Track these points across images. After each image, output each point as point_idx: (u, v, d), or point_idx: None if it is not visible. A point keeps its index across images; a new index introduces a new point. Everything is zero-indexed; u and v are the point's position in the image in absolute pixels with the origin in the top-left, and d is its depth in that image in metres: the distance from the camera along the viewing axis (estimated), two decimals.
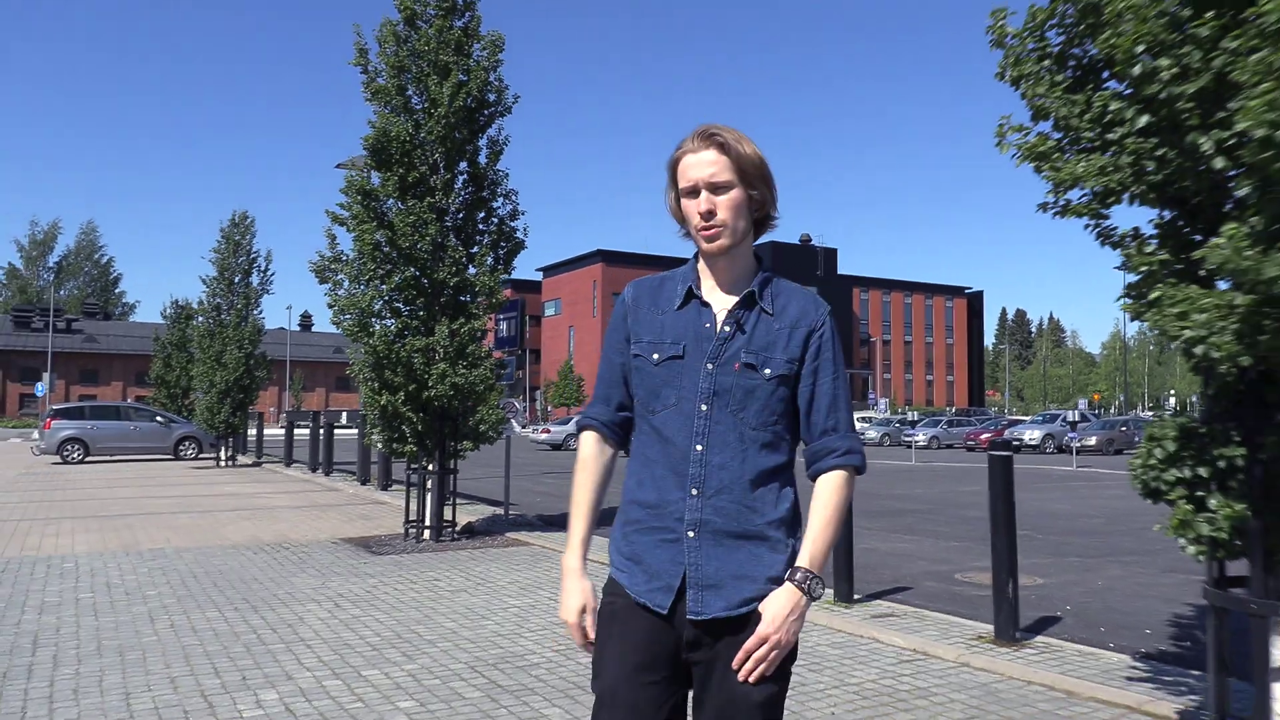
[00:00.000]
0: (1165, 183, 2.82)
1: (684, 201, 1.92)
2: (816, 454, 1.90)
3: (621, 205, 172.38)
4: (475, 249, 10.22)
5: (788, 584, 1.81)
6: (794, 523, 1.89)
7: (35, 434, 31.71)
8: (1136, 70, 2.65)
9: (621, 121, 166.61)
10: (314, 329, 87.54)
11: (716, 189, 1.87)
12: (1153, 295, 2.79)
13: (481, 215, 10.35)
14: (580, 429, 2.03)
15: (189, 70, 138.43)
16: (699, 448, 1.84)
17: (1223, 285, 2.79)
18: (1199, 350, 2.65)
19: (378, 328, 9.63)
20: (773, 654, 1.77)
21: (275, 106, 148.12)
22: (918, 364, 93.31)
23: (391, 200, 9.73)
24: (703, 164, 1.88)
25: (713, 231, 1.87)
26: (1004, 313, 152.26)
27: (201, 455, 26.32)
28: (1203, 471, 2.94)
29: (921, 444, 40.05)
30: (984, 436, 37.31)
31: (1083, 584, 7.78)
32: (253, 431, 26.56)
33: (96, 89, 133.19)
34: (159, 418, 27.18)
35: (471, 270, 10.08)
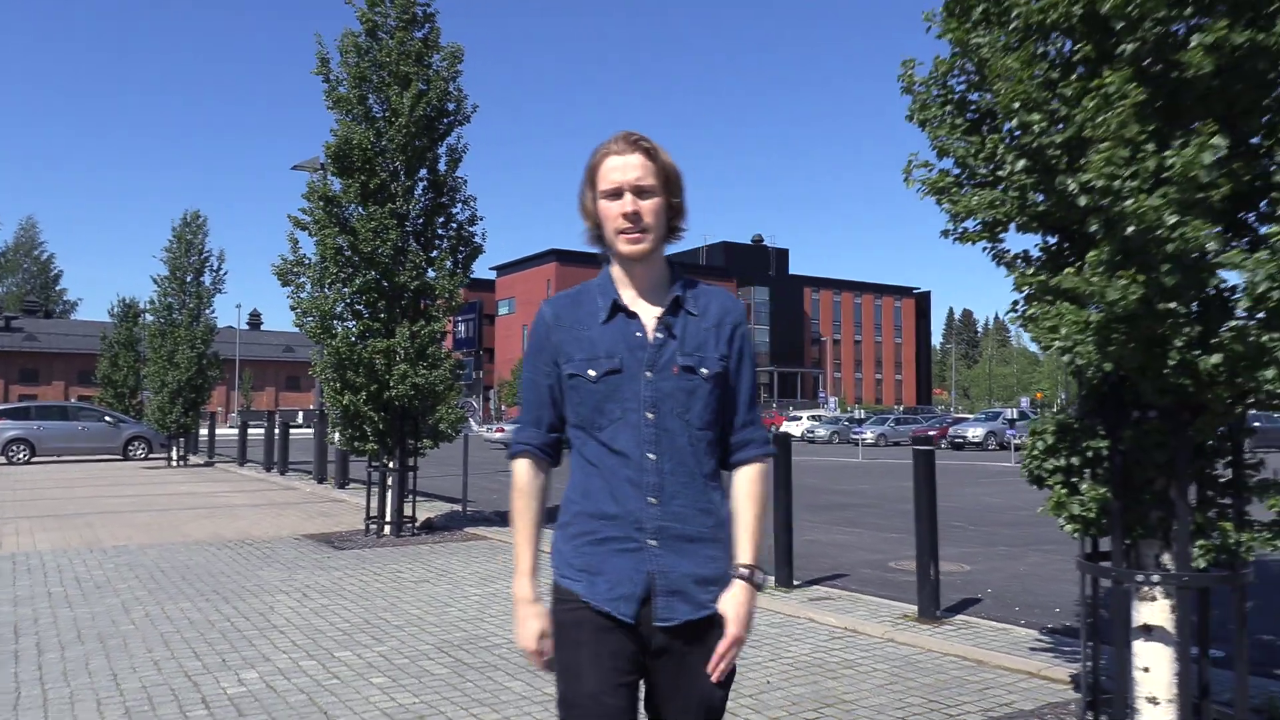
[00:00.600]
0: (1045, 214, 3.31)
1: (603, 203, 1.92)
2: (739, 445, 1.97)
3: (575, 204, 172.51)
4: (435, 253, 10.56)
5: (738, 582, 1.89)
6: (729, 519, 1.94)
7: None
8: (1014, 122, 3.14)
9: (576, 120, 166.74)
10: (263, 327, 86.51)
11: (641, 193, 1.89)
12: (1030, 311, 3.29)
13: (441, 220, 10.68)
14: (513, 456, 2.01)
15: (133, 62, 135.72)
16: (651, 456, 1.86)
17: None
18: (1067, 358, 3.15)
19: (340, 330, 9.93)
20: (736, 650, 1.88)
21: (224, 102, 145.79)
22: (867, 363, 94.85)
23: (353, 206, 10.03)
24: (629, 167, 1.89)
25: (636, 235, 1.89)
26: (951, 313, 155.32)
27: (151, 455, 26.14)
28: (1075, 460, 3.45)
29: (869, 441, 40.97)
30: (932, 434, 38.33)
31: (1005, 570, 8.37)
32: (204, 431, 26.48)
33: (34, 81, 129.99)
34: (107, 417, 26.93)
35: (431, 274, 10.42)
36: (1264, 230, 2.91)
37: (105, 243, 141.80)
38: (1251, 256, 2.66)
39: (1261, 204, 2.97)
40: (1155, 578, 3.29)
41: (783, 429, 49.08)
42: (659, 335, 1.91)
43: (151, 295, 23.80)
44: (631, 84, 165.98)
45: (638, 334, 1.91)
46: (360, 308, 10.15)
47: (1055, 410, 3.74)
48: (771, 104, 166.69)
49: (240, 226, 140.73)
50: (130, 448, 26.19)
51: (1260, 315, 2.78)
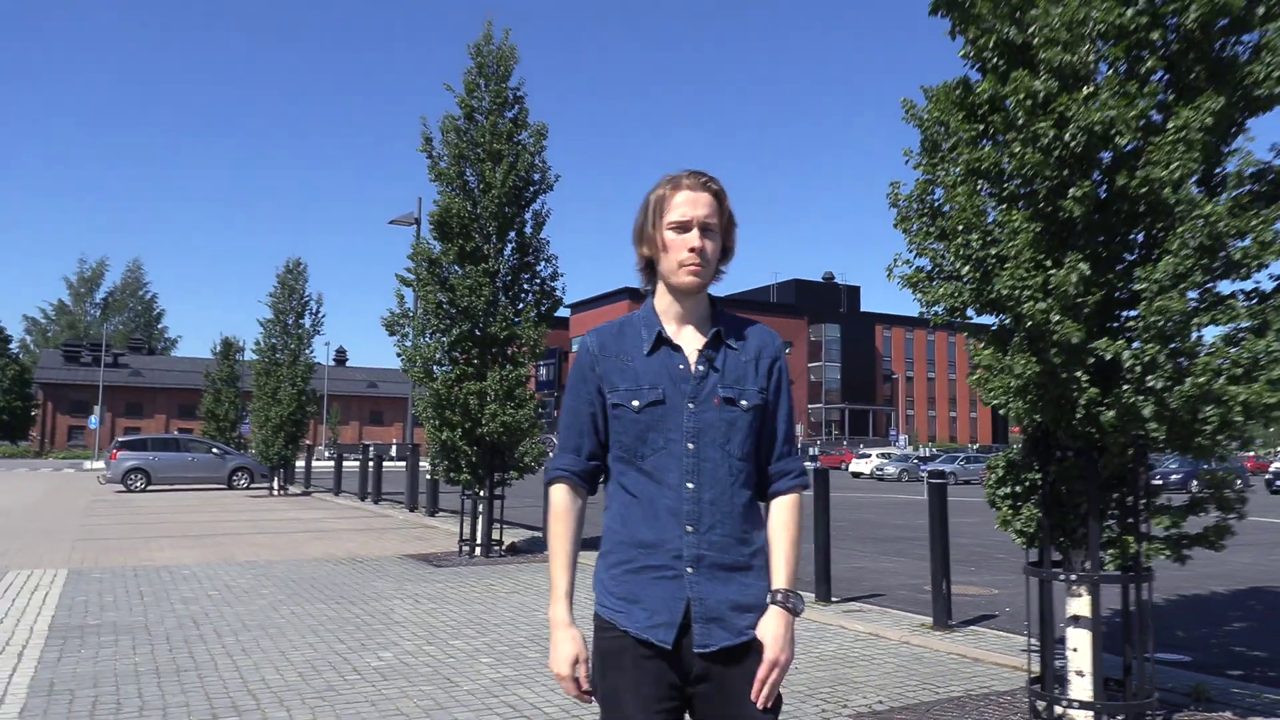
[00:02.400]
0: (989, 303, 4.44)
1: (668, 234, 1.97)
2: (776, 475, 2.02)
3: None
4: (521, 305, 11.97)
5: (775, 607, 1.92)
6: (765, 547, 1.99)
7: (101, 464, 33.74)
8: (958, 243, 4.29)
9: (647, 155, 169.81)
10: (348, 364, 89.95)
11: (707, 231, 1.96)
12: (977, 377, 4.42)
13: (526, 277, 12.10)
14: (551, 481, 2.05)
15: (232, 111, 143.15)
16: (690, 485, 1.91)
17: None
18: (1005, 413, 4.27)
19: (439, 374, 11.38)
20: (779, 675, 1.89)
21: (316, 153, 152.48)
22: (941, 401, 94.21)
23: (452, 266, 11.51)
24: (700, 203, 1.96)
25: (697, 268, 1.95)
26: None
27: (253, 485, 28.14)
28: (1018, 489, 4.54)
29: (939, 480, 41.23)
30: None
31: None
32: (301, 463, 28.41)
33: (139, 124, 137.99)
34: (214, 449, 29.05)
35: (518, 324, 11.82)
36: (1128, 324, 4.01)
37: (203, 281, 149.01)
38: (1114, 343, 3.78)
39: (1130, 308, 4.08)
40: (1074, 577, 4.36)
41: (852, 466, 49.77)
42: (701, 368, 1.96)
43: (257, 337, 25.93)
44: (700, 120, 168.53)
45: (680, 366, 1.97)
46: (457, 354, 11.59)
47: (1006, 450, 4.83)
48: (844, 140, 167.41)
49: (329, 267, 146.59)
50: (234, 477, 28.23)
51: (1129, 384, 3.88)
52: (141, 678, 5.53)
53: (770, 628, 1.90)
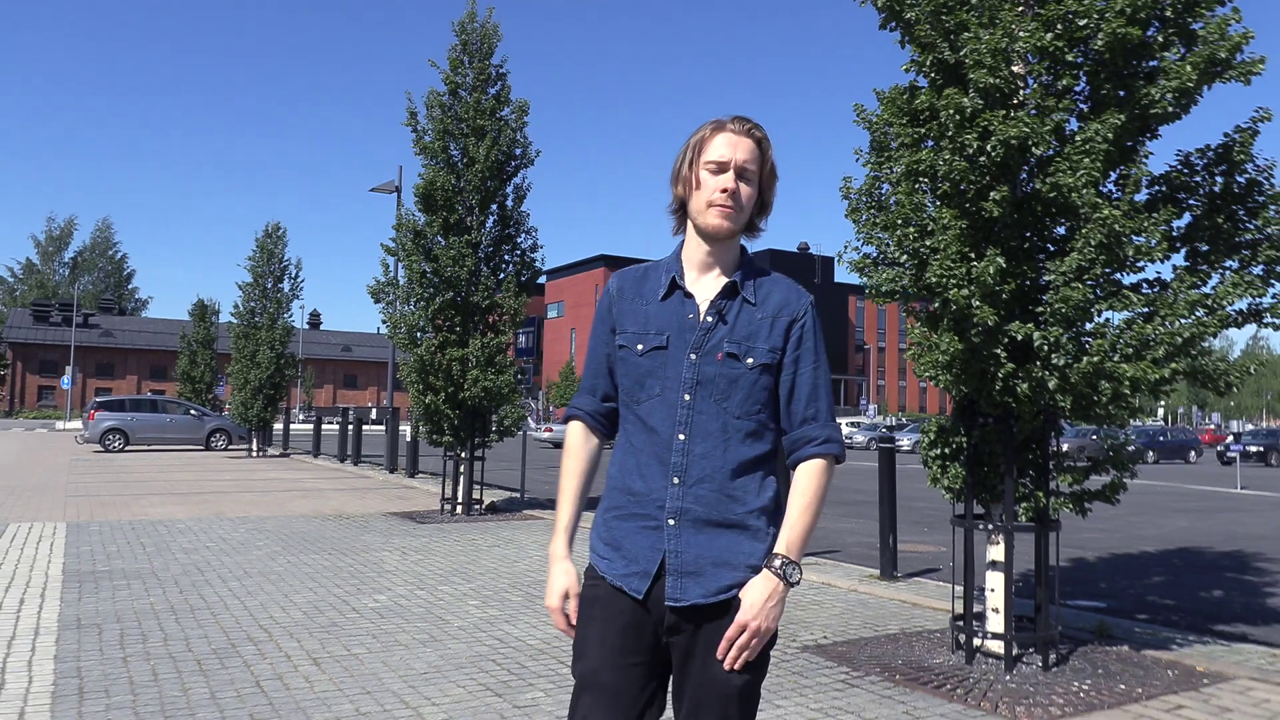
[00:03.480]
0: (924, 288, 5.05)
1: (703, 173, 1.93)
2: (796, 442, 1.94)
3: (624, 209, 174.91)
4: (502, 276, 12.48)
5: (765, 571, 1.85)
6: (776, 511, 1.92)
7: (75, 424, 33.92)
8: (898, 234, 4.88)
9: (624, 124, 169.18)
10: (323, 327, 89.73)
11: (744, 175, 1.92)
12: (911, 353, 5.04)
13: (507, 248, 12.60)
14: (567, 419, 2.08)
15: (199, 66, 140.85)
16: (681, 437, 1.88)
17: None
18: (935, 384, 4.90)
19: (423, 340, 11.89)
20: (754, 641, 1.82)
21: (291, 110, 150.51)
22: (911, 371, 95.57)
23: (436, 237, 11.98)
24: (741, 147, 1.92)
25: (727, 210, 1.91)
26: None
27: (231, 446, 28.55)
28: (946, 450, 5.18)
29: (905, 448, 42.31)
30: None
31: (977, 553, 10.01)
32: (279, 425, 28.82)
33: (109, 85, 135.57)
34: (192, 411, 29.39)
35: (499, 294, 12.34)
36: (1037, 310, 4.63)
37: (174, 242, 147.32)
38: (1025, 326, 4.40)
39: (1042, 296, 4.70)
40: (991, 527, 5.02)
41: None
42: (709, 319, 1.92)
43: (235, 300, 26.18)
44: (676, 88, 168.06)
45: (690, 315, 1.94)
46: (440, 322, 12.10)
47: (938, 417, 5.47)
48: (815, 110, 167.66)
49: (303, 230, 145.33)
50: (212, 439, 28.60)
51: (1039, 361, 4.51)
52: (159, 615, 6.09)
53: (752, 591, 1.84)
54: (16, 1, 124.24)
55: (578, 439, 2.07)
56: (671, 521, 1.88)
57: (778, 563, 1.86)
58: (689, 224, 2.01)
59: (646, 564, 1.89)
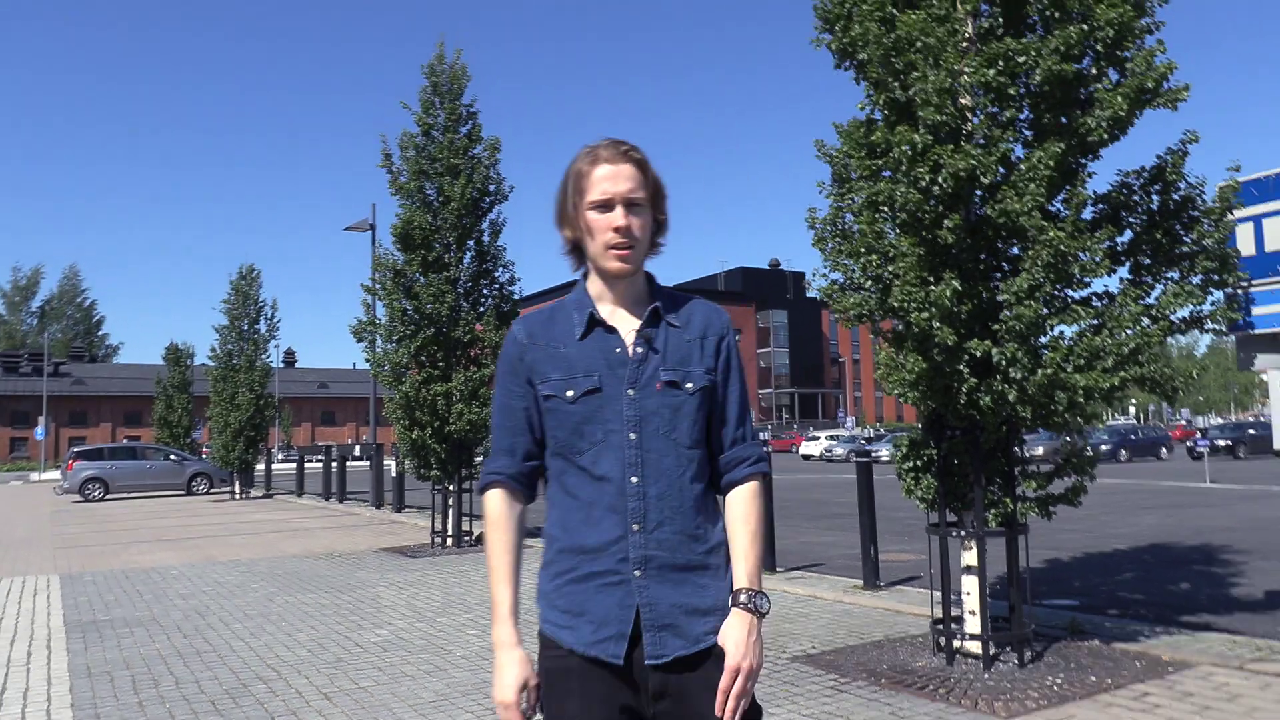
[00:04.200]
0: (888, 311, 5.36)
1: (591, 214, 1.82)
2: (730, 464, 1.87)
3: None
4: (482, 309, 12.73)
5: (736, 609, 1.76)
6: (725, 543, 1.84)
7: (51, 475, 33.67)
8: (862, 261, 5.20)
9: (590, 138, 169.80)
10: (298, 365, 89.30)
11: (632, 206, 1.81)
12: (880, 372, 5.34)
13: (485, 283, 12.85)
14: (484, 488, 1.90)
15: (170, 109, 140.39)
16: (634, 479, 1.77)
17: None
18: (903, 400, 5.20)
19: (407, 377, 12.10)
20: (749, 684, 1.73)
21: (260, 148, 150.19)
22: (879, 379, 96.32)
23: (416, 275, 12.22)
24: (621, 177, 1.80)
25: (627, 251, 1.81)
26: None
27: (213, 490, 28.44)
28: (919, 462, 5.48)
29: (885, 459, 42.75)
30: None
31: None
32: (260, 466, 28.76)
33: (70, 121, 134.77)
34: (172, 456, 29.25)
35: (480, 327, 12.57)
36: (994, 327, 4.95)
37: (142, 286, 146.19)
38: (983, 343, 4.71)
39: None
40: (963, 533, 5.31)
41: (802, 449, 51.17)
42: (639, 350, 1.82)
43: (212, 343, 26.23)
44: (646, 104, 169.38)
45: (617, 350, 1.83)
46: (423, 358, 12.31)
47: (909, 432, 5.77)
48: (788, 128, 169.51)
49: (273, 269, 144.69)
50: (194, 483, 28.48)
51: (998, 375, 4.82)
52: (167, 660, 6.25)
53: (732, 632, 1.74)
54: None
55: (501, 508, 1.88)
56: (638, 573, 1.75)
57: (744, 597, 1.77)
58: (589, 262, 1.90)
59: (620, 624, 1.75)
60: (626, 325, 1.86)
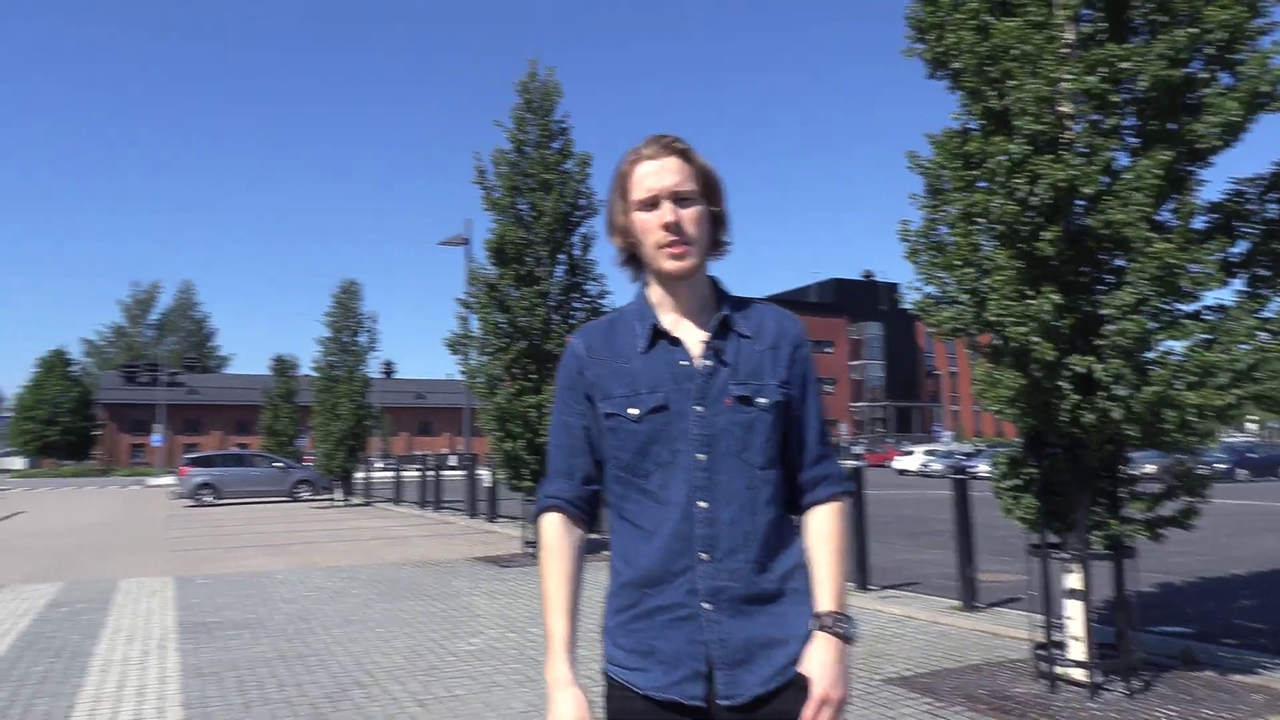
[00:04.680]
0: (985, 325, 5.21)
1: (638, 215, 1.71)
2: (811, 483, 1.75)
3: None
4: (573, 322, 12.87)
5: (821, 635, 1.65)
6: (804, 565, 1.72)
7: (166, 480, 35.33)
8: (957, 274, 5.07)
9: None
10: (396, 376, 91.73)
11: (681, 200, 1.69)
12: (977, 388, 5.20)
13: (576, 296, 13.00)
14: (541, 510, 1.81)
15: (277, 128, 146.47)
16: (703, 504, 1.65)
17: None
18: (1000, 417, 5.05)
19: (500, 389, 12.31)
20: (836, 715, 1.62)
21: (359, 165, 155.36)
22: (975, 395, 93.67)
23: (509, 289, 12.44)
24: (665, 171, 1.69)
25: (681, 249, 1.68)
26: None
27: (316, 497, 29.42)
28: (1018, 481, 5.31)
29: (984, 475, 41.53)
30: None
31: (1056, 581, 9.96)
32: (360, 474, 29.63)
33: (184, 145, 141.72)
34: (277, 463, 30.40)
35: (571, 340, 12.70)
36: (1097, 343, 4.76)
37: (250, 299, 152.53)
38: (1085, 358, 4.55)
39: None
40: (1066, 556, 5.12)
41: (897, 464, 50.08)
42: (707, 362, 1.69)
43: (315, 354, 27.17)
44: (736, 112, 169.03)
45: (683, 362, 1.70)
46: (515, 371, 12.51)
47: (1009, 449, 5.59)
48: (880, 136, 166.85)
49: (373, 282, 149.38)
50: (297, 490, 29.52)
51: (1102, 392, 4.64)
52: (271, 663, 6.47)
53: (817, 659, 1.63)
54: (101, 68, 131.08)
55: (558, 534, 1.78)
56: (708, 605, 1.63)
57: (829, 621, 1.66)
58: (646, 269, 1.79)
59: (694, 663, 1.63)
60: (692, 336, 1.73)
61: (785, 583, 1.68)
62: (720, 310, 1.76)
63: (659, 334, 1.74)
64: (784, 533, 1.72)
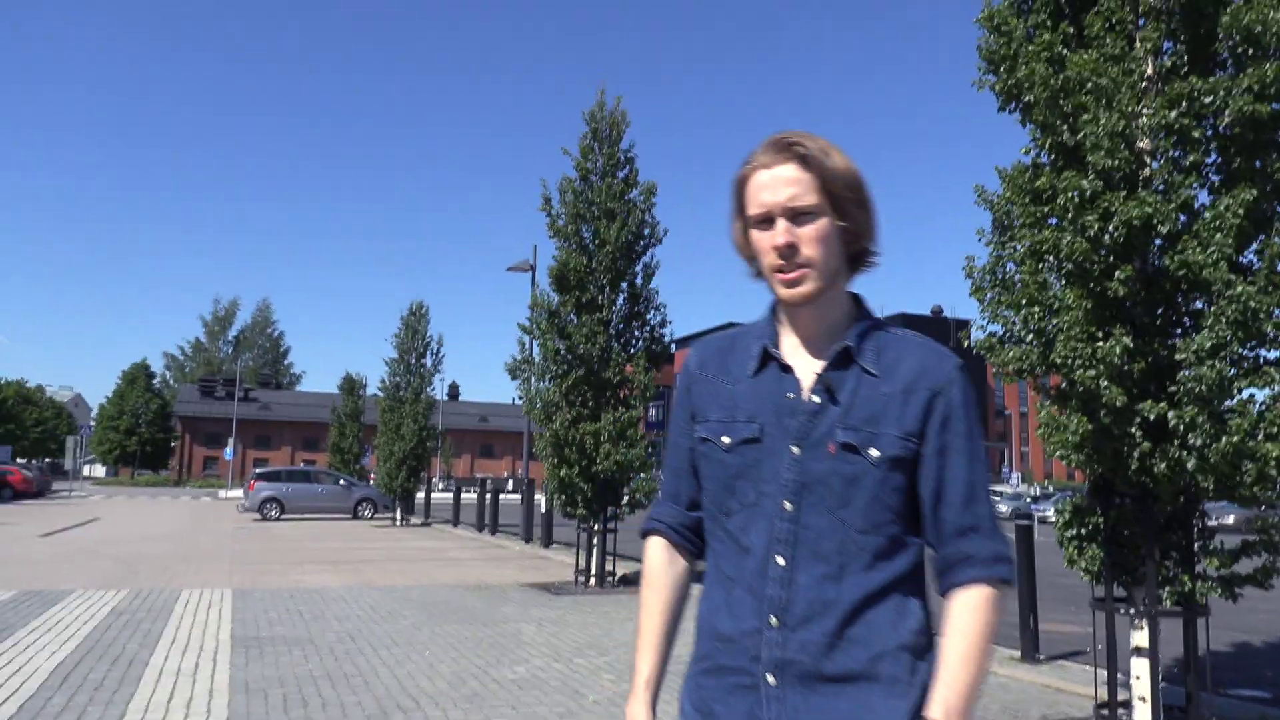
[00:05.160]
0: (1051, 366, 5.02)
1: (754, 233, 1.50)
2: (950, 562, 1.46)
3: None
4: (633, 350, 12.85)
5: None
6: (921, 650, 1.43)
7: (236, 493, 36.14)
8: (1024, 313, 4.90)
9: None
10: (460, 398, 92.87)
11: (798, 216, 1.45)
12: (1041, 432, 5.00)
13: (637, 325, 12.98)
14: (645, 533, 1.67)
15: (350, 150, 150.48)
16: (780, 560, 1.42)
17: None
18: (1065, 463, 4.84)
19: (558, 416, 12.32)
20: None
21: (431, 193, 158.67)
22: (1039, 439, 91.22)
23: (570, 316, 12.48)
24: (779, 183, 1.45)
25: (795, 274, 1.46)
26: None
27: (376, 515, 29.78)
28: (1083, 531, 5.08)
29: (1052, 519, 40.29)
30: None
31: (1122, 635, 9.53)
32: (420, 495, 29.95)
33: (266, 166, 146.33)
34: (341, 481, 30.89)
35: (629, 369, 12.69)
36: (1171, 388, 4.54)
37: (324, 320, 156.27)
38: (1157, 405, 4.34)
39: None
40: (1134, 611, 4.87)
41: None
42: (816, 398, 1.46)
43: (382, 374, 27.66)
44: None
45: (790, 394, 1.48)
46: (573, 397, 12.52)
47: (1073, 496, 5.36)
48: (948, 166, 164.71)
49: (440, 305, 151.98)
50: (359, 508, 29.93)
51: (1175, 441, 4.42)
52: (317, 681, 6.49)
53: None
54: (191, 87, 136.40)
55: (659, 562, 1.64)
56: (771, 679, 1.40)
57: None
58: None
59: None
60: (807, 365, 1.50)
61: (878, 664, 1.40)
62: (846, 337, 1.50)
63: (769, 357, 1.53)
64: (889, 607, 1.43)
